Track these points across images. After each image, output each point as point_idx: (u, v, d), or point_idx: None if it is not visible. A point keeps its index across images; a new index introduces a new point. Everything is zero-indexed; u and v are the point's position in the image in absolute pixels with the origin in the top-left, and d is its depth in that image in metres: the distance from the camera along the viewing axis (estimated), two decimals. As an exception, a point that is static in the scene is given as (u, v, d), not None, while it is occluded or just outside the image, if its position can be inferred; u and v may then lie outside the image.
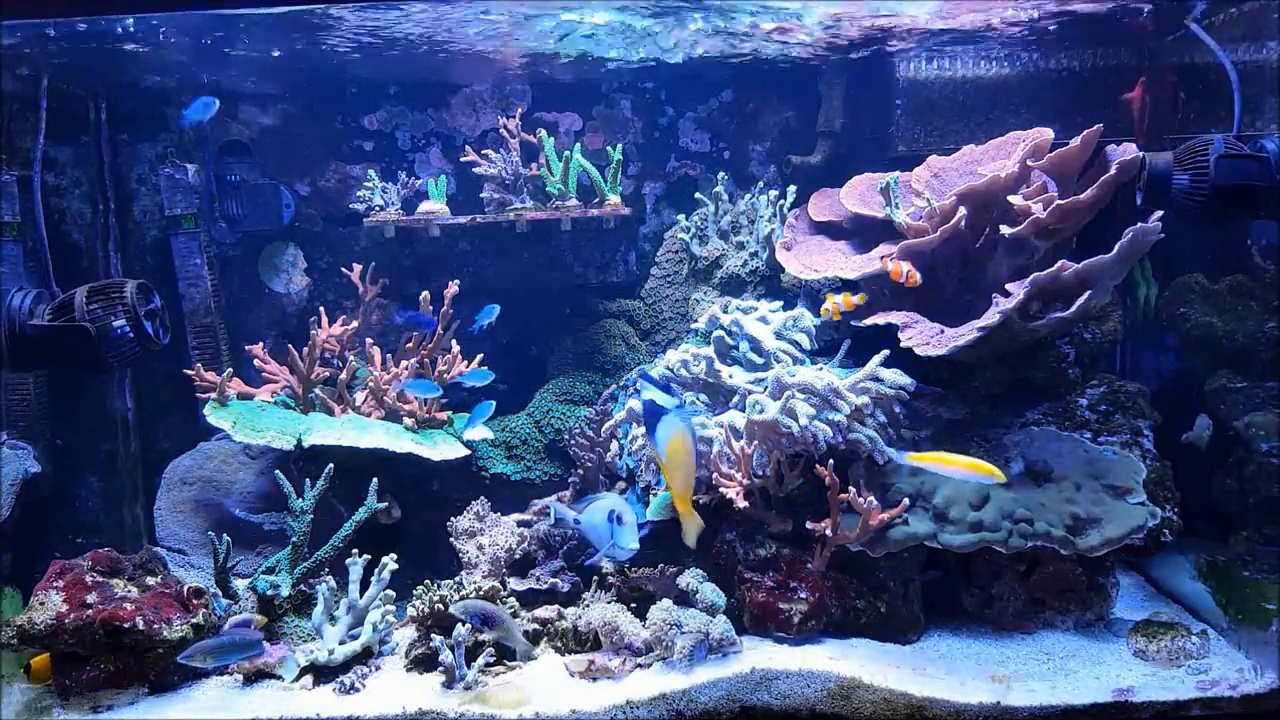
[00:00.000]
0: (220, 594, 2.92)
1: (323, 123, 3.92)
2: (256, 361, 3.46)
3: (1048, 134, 3.11)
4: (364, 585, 2.89)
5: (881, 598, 2.84)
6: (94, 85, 3.65)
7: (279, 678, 2.72)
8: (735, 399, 3.07)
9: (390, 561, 2.91)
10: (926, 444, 3.11)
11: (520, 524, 3.21)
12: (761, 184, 3.79)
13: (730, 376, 3.10)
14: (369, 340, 3.56)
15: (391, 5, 2.93)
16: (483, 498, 3.23)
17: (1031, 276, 2.82)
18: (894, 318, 3.04)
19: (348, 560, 2.89)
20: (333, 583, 2.92)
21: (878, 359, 2.80)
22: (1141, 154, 2.93)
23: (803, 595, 2.79)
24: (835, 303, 3.14)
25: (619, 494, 3.33)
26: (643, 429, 2.97)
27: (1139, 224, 2.77)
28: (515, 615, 2.89)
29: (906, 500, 2.75)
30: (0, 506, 3.23)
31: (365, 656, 2.81)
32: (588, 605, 2.90)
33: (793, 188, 3.65)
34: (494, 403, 3.35)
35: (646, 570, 2.94)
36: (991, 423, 3.16)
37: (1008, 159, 3.16)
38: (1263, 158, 2.65)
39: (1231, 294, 3.14)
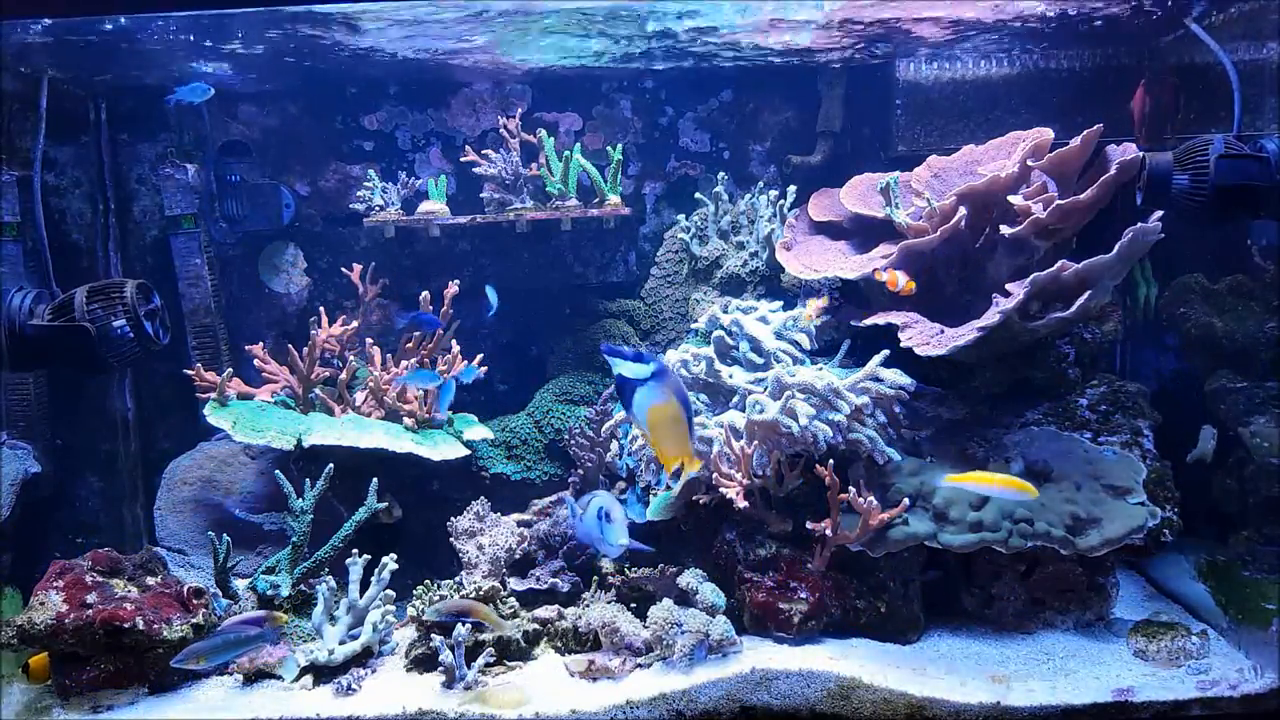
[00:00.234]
0: (220, 594, 2.92)
1: (323, 123, 3.92)
2: (256, 361, 3.46)
3: (1048, 134, 3.11)
4: (364, 585, 2.89)
5: (881, 598, 2.84)
6: (94, 85, 3.65)
7: (279, 678, 2.72)
8: (735, 399, 3.08)
9: (390, 561, 2.91)
10: (926, 444, 3.11)
11: (520, 524, 3.21)
12: (761, 184, 3.79)
13: (730, 376, 3.10)
14: (369, 340, 3.57)
15: (390, 5, 2.92)
16: (483, 498, 3.22)
17: (1031, 276, 2.82)
18: (894, 318, 3.04)
19: (348, 560, 2.89)
20: (333, 583, 2.92)
21: (878, 359, 2.81)
22: (1141, 154, 2.93)
23: (803, 595, 2.79)
24: (808, 310, 3.17)
25: (619, 494, 3.33)
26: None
27: (1139, 224, 2.77)
28: (515, 615, 2.89)
29: (906, 500, 2.75)
30: (0, 506, 3.23)
31: (365, 656, 2.81)
32: (588, 605, 2.90)
33: (793, 188, 3.65)
34: (452, 382, 3.33)
35: (646, 570, 2.94)
36: (991, 423, 3.16)
37: (1008, 159, 3.16)
38: (1263, 158, 2.65)
39: (1231, 294, 3.14)
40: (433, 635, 2.70)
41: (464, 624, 2.66)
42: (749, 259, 3.68)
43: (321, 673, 2.72)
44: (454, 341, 3.56)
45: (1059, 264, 2.80)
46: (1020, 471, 2.95)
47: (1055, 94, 3.54)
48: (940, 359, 2.92)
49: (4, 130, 3.36)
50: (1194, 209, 2.78)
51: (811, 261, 3.37)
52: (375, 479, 3.03)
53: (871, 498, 2.72)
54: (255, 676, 2.72)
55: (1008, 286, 2.88)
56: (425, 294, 3.55)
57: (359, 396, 3.45)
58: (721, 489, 2.83)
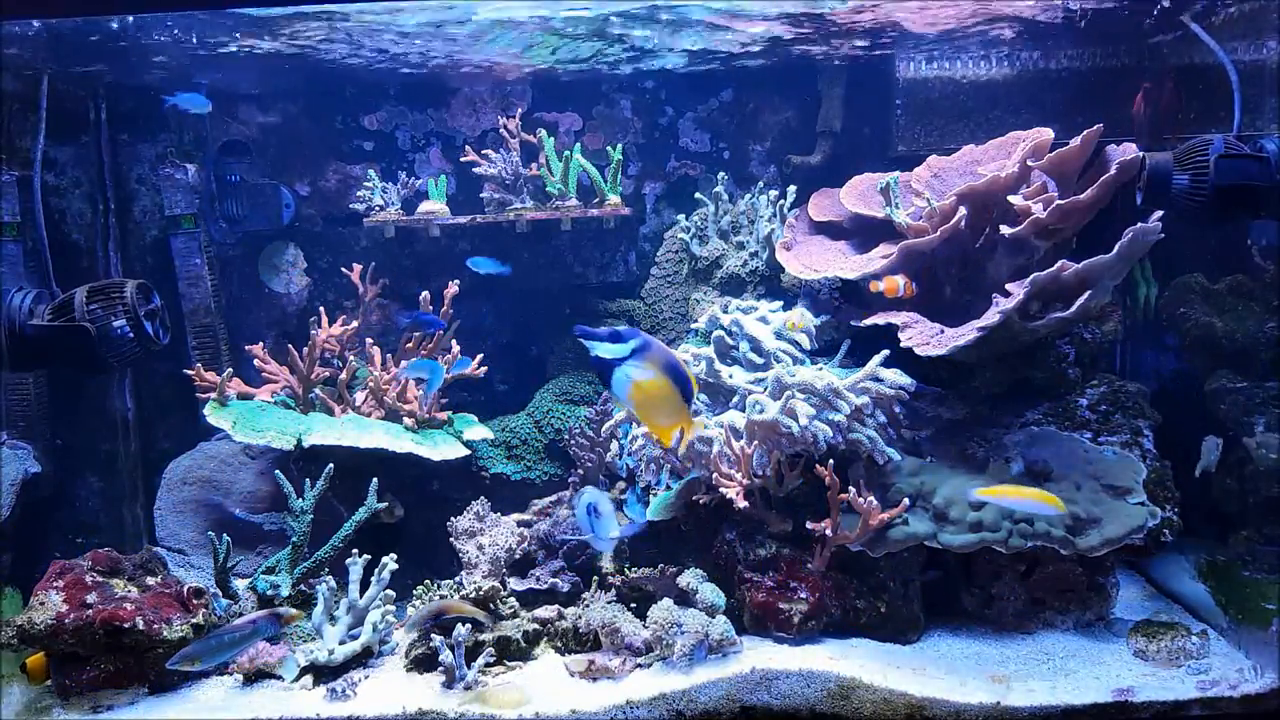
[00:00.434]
0: (220, 594, 2.92)
1: (323, 122, 3.92)
2: (256, 361, 3.46)
3: (1048, 134, 3.11)
4: (364, 585, 2.89)
5: (881, 598, 2.84)
6: (94, 85, 3.65)
7: (279, 678, 2.72)
8: (735, 399, 3.08)
9: (390, 561, 2.91)
10: (926, 444, 3.11)
11: (520, 524, 3.21)
12: (761, 184, 3.79)
13: (730, 376, 3.10)
14: (369, 340, 3.57)
15: (392, 5, 2.93)
16: (483, 498, 3.23)
17: (1031, 276, 2.82)
18: (894, 318, 3.04)
19: (348, 560, 2.89)
20: (333, 583, 2.92)
21: (878, 359, 2.80)
22: (1141, 154, 2.92)
23: (803, 595, 2.79)
24: (791, 319, 3.17)
25: (619, 493, 3.33)
26: (642, 429, 2.98)
27: (1139, 224, 2.77)
28: (515, 615, 2.89)
29: (906, 500, 2.75)
30: (0, 506, 3.23)
31: (365, 656, 2.81)
32: (588, 605, 2.90)
33: (793, 188, 3.65)
34: (441, 366, 3.33)
35: (646, 570, 2.94)
36: (991, 423, 3.16)
37: (1008, 159, 3.16)
38: (1263, 158, 2.64)
39: (1231, 294, 3.14)
40: (432, 635, 2.70)
41: (463, 624, 2.66)
42: (749, 259, 3.68)
43: (321, 673, 2.72)
44: (454, 341, 3.56)
45: (1059, 264, 2.80)
46: (1020, 471, 2.95)
47: (1055, 94, 3.54)
48: (940, 359, 2.92)
49: (4, 130, 3.36)
50: (1194, 209, 2.78)
51: (811, 261, 3.37)
52: (375, 479, 3.03)
53: (871, 498, 2.72)
54: (255, 676, 2.72)
55: (1008, 286, 2.88)
56: (425, 294, 3.55)
57: (359, 396, 3.45)
58: (721, 489, 2.83)
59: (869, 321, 3.13)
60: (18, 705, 2.65)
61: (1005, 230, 2.99)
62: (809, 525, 2.78)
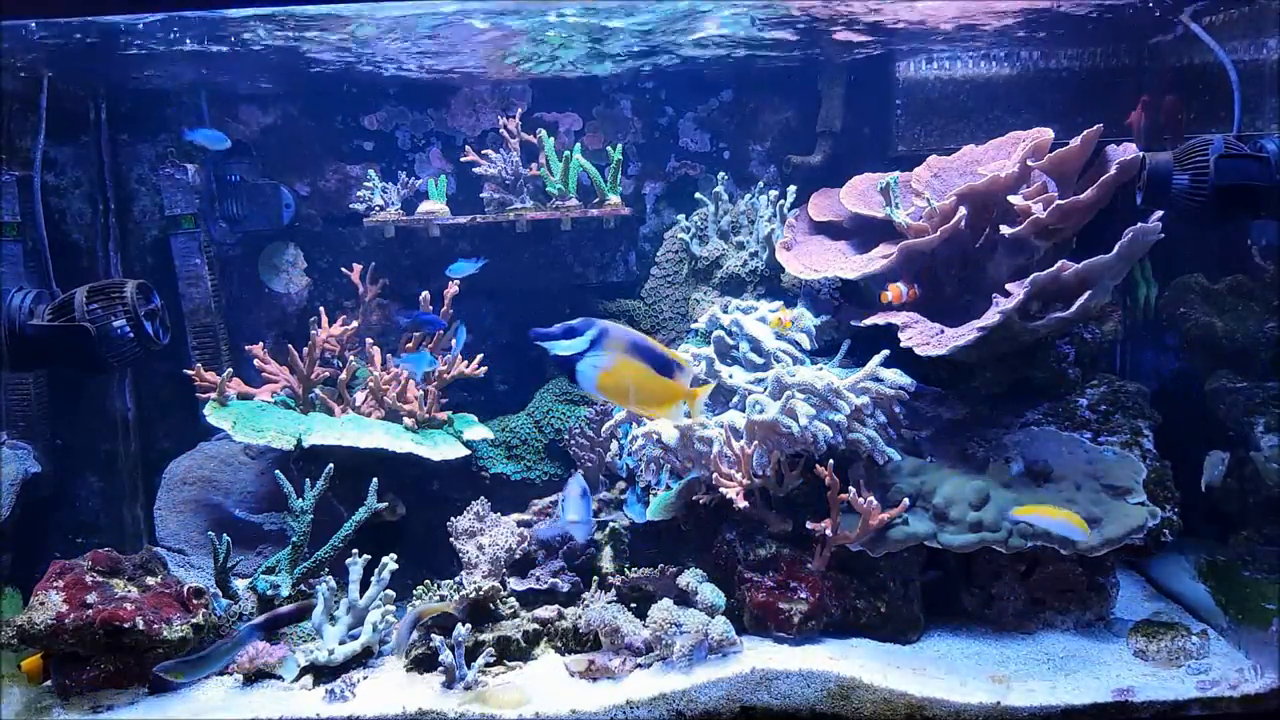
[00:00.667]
0: (220, 594, 2.92)
1: (323, 123, 3.92)
2: (256, 361, 3.46)
3: (1048, 134, 3.11)
4: (364, 585, 2.89)
5: (881, 598, 2.84)
6: (94, 85, 3.65)
7: (279, 678, 2.72)
8: (735, 399, 3.08)
9: (390, 561, 2.91)
10: (926, 444, 3.11)
11: (520, 524, 3.21)
12: (761, 184, 3.79)
13: (730, 376, 3.10)
14: (369, 340, 3.57)
15: (390, 6, 2.93)
16: (483, 498, 3.22)
17: (1031, 276, 2.82)
18: (894, 318, 3.04)
19: (348, 560, 2.89)
20: (333, 583, 2.92)
21: (878, 359, 2.80)
22: (1141, 154, 2.92)
23: (803, 595, 2.79)
24: (779, 317, 3.17)
25: (619, 493, 3.33)
26: (642, 429, 2.98)
27: (1139, 224, 2.77)
28: (515, 615, 2.89)
29: (906, 500, 2.75)
30: (0, 506, 3.23)
31: (365, 656, 2.81)
32: (588, 605, 2.90)
33: (793, 188, 3.65)
34: (426, 354, 3.35)
35: (646, 570, 2.94)
36: (991, 423, 3.16)
37: (1008, 159, 3.16)
38: (1263, 158, 2.64)
39: (1231, 294, 3.14)
40: (432, 635, 2.70)
41: (463, 624, 2.66)
42: (749, 259, 3.68)
43: (321, 673, 2.72)
44: (454, 341, 3.56)
45: (1059, 264, 2.80)
46: (1020, 471, 2.95)
47: (1055, 93, 3.54)
48: (940, 359, 2.92)
49: (4, 130, 3.36)
50: (1194, 209, 2.78)
51: (811, 261, 3.37)
52: (375, 479, 3.03)
53: (871, 498, 2.72)
54: (255, 676, 2.72)
55: (1008, 286, 2.88)
56: (425, 294, 3.56)
57: (359, 396, 3.46)
58: (721, 489, 2.83)
59: (869, 321, 3.13)
60: (18, 705, 2.65)
61: (1005, 230, 2.99)
62: (809, 525, 2.78)
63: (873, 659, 2.66)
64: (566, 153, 3.61)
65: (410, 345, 3.60)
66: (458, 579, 3.00)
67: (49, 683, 2.67)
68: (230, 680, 2.73)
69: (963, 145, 3.42)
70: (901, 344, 2.95)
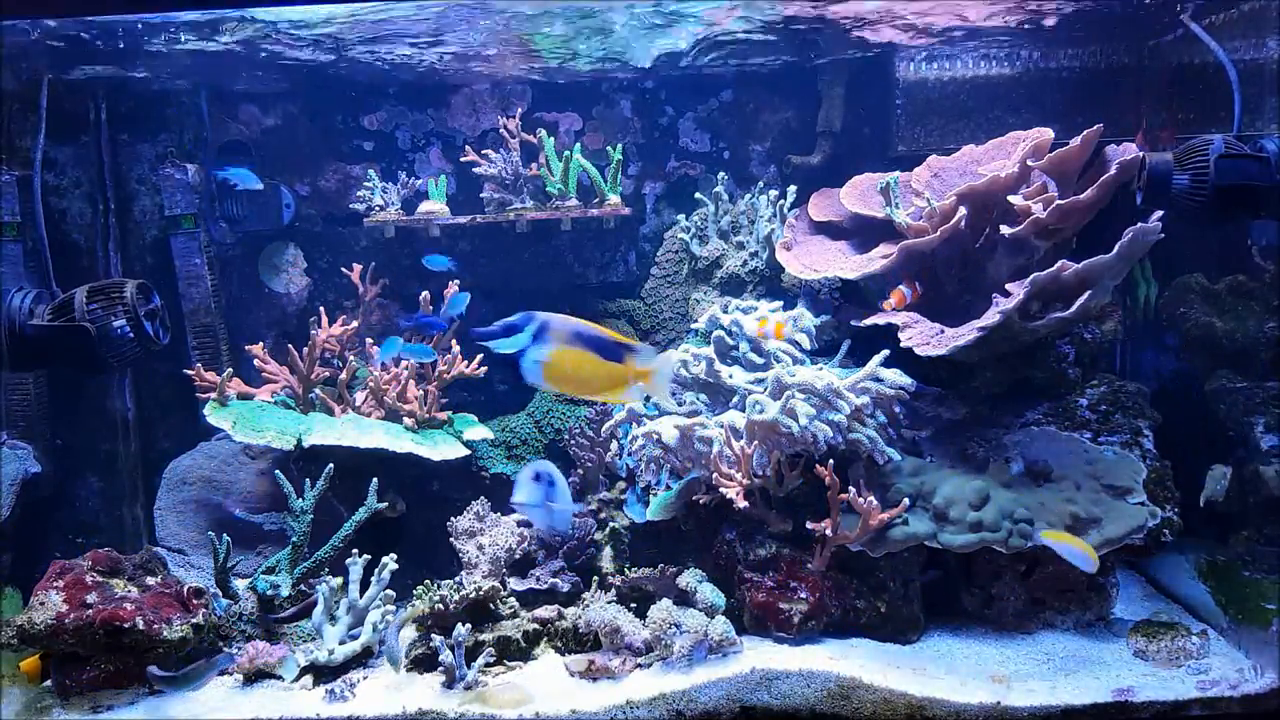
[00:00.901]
0: (220, 594, 2.92)
1: (323, 123, 3.92)
2: (256, 361, 3.46)
3: (1048, 134, 3.11)
4: (364, 585, 2.89)
5: (881, 598, 2.84)
6: (94, 85, 3.65)
7: (279, 678, 2.72)
8: (735, 399, 3.08)
9: (390, 561, 2.91)
10: (926, 444, 3.11)
11: (520, 524, 3.21)
12: (761, 184, 3.79)
13: (730, 376, 3.10)
14: (369, 340, 3.56)
15: (390, 6, 2.93)
16: (483, 498, 3.23)
17: (1031, 276, 2.82)
18: (894, 318, 3.04)
19: (348, 560, 2.89)
20: (333, 582, 2.92)
21: (878, 359, 2.81)
22: (1141, 154, 2.92)
23: (803, 595, 2.79)
24: (767, 323, 3.16)
25: (619, 493, 3.33)
26: (642, 429, 2.98)
27: (1139, 224, 2.77)
28: (515, 615, 2.89)
29: (906, 500, 2.75)
30: (0, 506, 3.23)
31: (365, 656, 2.81)
32: (588, 605, 2.90)
33: (793, 188, 3.65)
34: (398, 339, 3.33)
35: (646, 570, 2.94)
36: (991, 423, 3.16)
37: (1008, 159, 3.16)
38: (1263, 158, 2.64)
39: (1231, 294, 3.14)
40: (432, 635, 2.70)
41: (463, 624, 2.66)
42: (749, 259, 3.69)
43: (321, 673, 2.72)
44: (454, 341, 3.56)
45: (1059, 264, 2.80)
46: (1020, 471, 2.95)
47: (1055, 93, 3.54)
48: (940, 359, 2.92)
49: (4, 130, 3.36)
50: (1194, 209, 2.78)
51: (811, 261, 3.37)
52: (375, 479, 3.03)
53: (871, 498, 2.72)
54: (255, 676, 2.72)
55: (1008, 286, 2.88)
56: (425, 294, 3.56)
57: (359, 396, 3.45)
58: (721, 489, 2.83)
59: (869, 321, 3.13)
60: (18, 705, 2.65)
61: (1005, 230, 2.99)
62: (809, 525, 2.78)
63: (873, 659, 2.66)
64: (566, 153, 3.61)
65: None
66: (458, 579, 3.00)
67: (49, 683, 2.67)
68: (230, 680, 2.73)
69: (963, 145, 3.43)
70: (901, 344, 2.95)
